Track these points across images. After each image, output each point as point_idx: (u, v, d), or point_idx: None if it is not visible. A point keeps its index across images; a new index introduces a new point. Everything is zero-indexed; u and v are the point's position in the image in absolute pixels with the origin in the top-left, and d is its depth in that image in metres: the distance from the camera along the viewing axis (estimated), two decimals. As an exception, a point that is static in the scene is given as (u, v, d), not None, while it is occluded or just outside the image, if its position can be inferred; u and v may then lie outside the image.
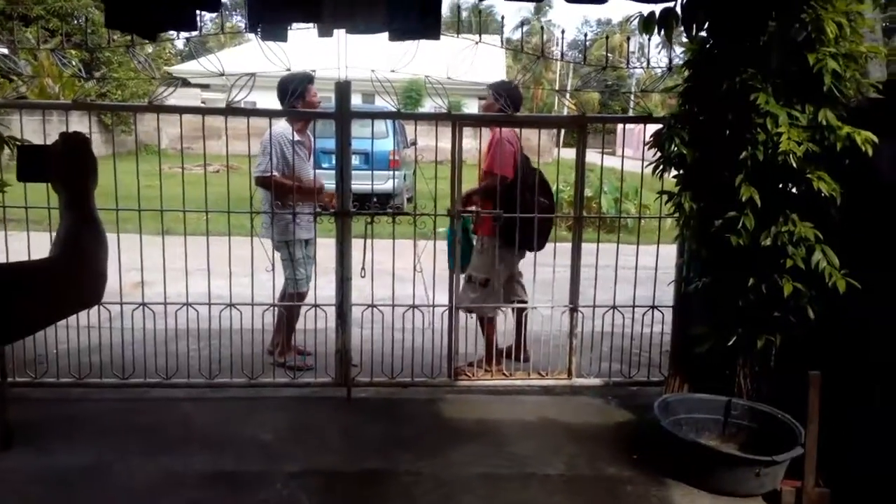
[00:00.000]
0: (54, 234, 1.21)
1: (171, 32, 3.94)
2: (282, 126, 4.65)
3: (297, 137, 4.66)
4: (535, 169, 4.69)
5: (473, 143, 4.84)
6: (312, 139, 4.85)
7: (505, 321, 4.80)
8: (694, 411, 3.78)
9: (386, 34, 3.48)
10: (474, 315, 4.77)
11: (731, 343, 3.60)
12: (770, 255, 3.40)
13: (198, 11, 3.47)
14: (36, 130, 4.20)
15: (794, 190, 3.51)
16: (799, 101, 3.41)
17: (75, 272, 1.16)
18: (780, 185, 3.51)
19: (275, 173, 4.51)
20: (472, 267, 4.71)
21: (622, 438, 3.94)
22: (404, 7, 2.96)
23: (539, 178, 4.63)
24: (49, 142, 1.32)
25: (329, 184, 4.51)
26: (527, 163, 4.66)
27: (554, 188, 4.89)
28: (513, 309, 4.88)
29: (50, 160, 1.26)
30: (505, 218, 4.43)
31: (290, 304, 4.71)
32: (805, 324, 3.43)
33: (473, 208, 4.72)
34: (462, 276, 4.71)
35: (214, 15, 4.08)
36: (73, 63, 6.97)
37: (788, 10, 3.29)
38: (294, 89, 4.35)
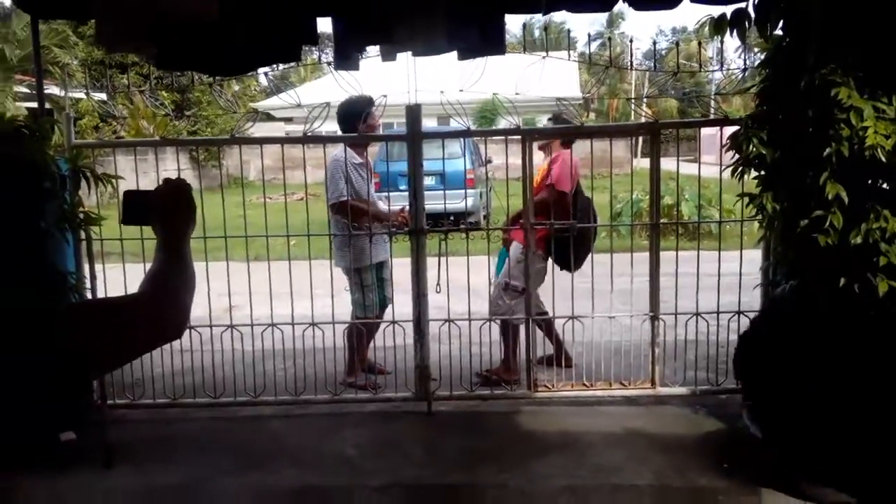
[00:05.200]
0: (148, 265, 1.29)
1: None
2: (342, 151, 4.66)
3: (358, 160, 4.74)
4: (587, 197, 4.75)
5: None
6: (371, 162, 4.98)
7: (534, 332, 4.63)
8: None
9: (454, 53, 3.55)
10: (499, 321, 4.70)
11: (823, 347, 3.44)
12: (861, 254, 3.24)
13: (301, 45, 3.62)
14: (133, 168, 4.46)
15: (884, 185, 3.35)
16: (885, 94, 3.26)
17: (160, 309, 1.24)
18: (869, 181, 3.36)
19: (350, 198, 4.62)
20: (511, 275, 4.68)
21: (712, 448, 3.81)
22: (464, 25, 3.00)
23: (590, 205, 4.73)
24: (142, 177, 1.41)
25: (402, 204, 4.59)
26: (579, 187, 4.70)
27: (630, 196, 4.84)
28: (539, 324, 4.72)
29: (152, 205, 1.32)
30: (557, 232, 4.45)
31: (366, 319, 4.71)
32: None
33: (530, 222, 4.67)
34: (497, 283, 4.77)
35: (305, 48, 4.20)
36: (165, 104, 7.38)
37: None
38: (358, 112, 4.44)
